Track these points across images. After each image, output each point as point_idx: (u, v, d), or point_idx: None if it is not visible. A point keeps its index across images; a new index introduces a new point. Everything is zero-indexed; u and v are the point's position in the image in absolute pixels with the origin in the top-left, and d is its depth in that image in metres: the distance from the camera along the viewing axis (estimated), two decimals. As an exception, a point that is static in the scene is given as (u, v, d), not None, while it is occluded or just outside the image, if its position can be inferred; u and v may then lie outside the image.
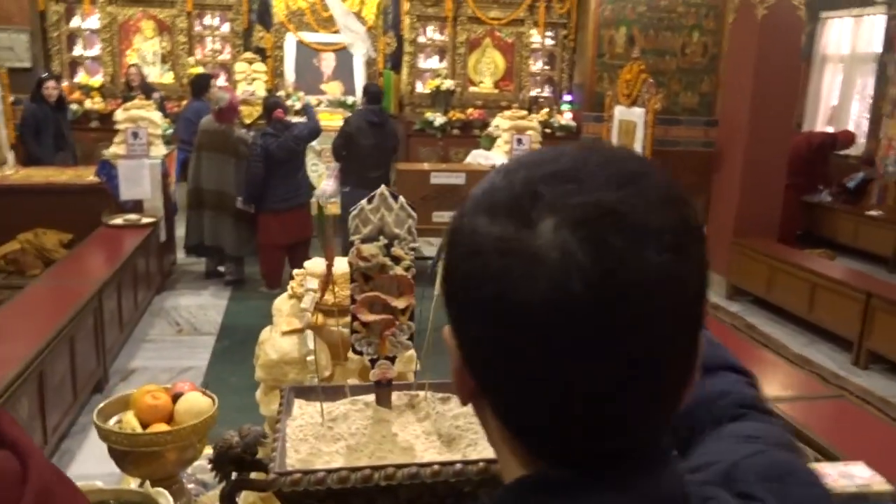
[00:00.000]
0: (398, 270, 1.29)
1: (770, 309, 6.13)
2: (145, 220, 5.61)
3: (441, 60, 9.63)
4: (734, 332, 4.93)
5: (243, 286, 6.11)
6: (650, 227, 0.49)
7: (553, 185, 0.51)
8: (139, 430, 1.61)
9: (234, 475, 1.36)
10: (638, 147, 6.77)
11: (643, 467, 0.54)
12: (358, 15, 8.94)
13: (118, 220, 5.57)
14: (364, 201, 1.27)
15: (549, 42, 9.88)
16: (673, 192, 0.52)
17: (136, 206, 5.79)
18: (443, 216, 5.99)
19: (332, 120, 8.16)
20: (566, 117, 9.44)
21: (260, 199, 5.71)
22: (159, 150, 5.95)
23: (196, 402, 1.68)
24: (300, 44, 8.91)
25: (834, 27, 9.39)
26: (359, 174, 6.08)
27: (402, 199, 1.28)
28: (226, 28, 9.30)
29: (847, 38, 9.19)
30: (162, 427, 1.62)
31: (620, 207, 0.49)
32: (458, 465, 1.20)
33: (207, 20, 9.34)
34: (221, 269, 6.24)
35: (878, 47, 8.53)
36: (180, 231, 6.34)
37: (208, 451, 1.79)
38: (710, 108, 9.77)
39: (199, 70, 8.88)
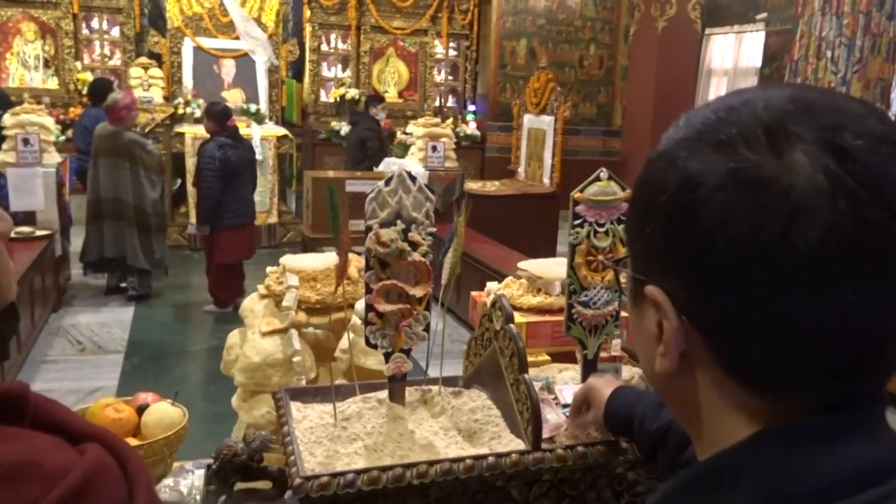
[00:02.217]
0: (416, 256, 1.22)
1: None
2: (39, 233, 5.19)
3: (345, 69, 9.51)
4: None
5: (148, 301, 5.76)
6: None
7: (790, 116, 0.49)
8: (105, 446, 1.45)
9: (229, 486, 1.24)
10: (548, 155, 6.91)
11: (880, 412, 0.53)
12: (258, 21, 8.69)
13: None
14: (381, 183, 1.19)
15: (452, 53, 9.96)
16: (881, 113, 0.52)
17: (28, 218, 5.35)
18: (359, 224, 5.85)
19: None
20: (471, 127, 9.53)
21: (216, 218, 5.29)
22: (53, 157, 5.53)
23: (166, 414, 1.54)
24: (198, 49, 8.56)
25: (718, 43, 9.93)
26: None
27: (420, 181, 1.21)
28: (116, 32, 8.84)
29: (730, 53, 9.74)
30: (130, 441, 1.47)
31: (879, 130, 0.49)
32: (491, 459, 1.15)
33: (95, 23, 8.86)
34: (124, 284, 5.86)
35: (758, 62, 9.09)
36: (75, 245, 5.91)
37: (177, 465, 1.65)
38: (608, 119, 10.11)
39: (87, 76, 8.40)
